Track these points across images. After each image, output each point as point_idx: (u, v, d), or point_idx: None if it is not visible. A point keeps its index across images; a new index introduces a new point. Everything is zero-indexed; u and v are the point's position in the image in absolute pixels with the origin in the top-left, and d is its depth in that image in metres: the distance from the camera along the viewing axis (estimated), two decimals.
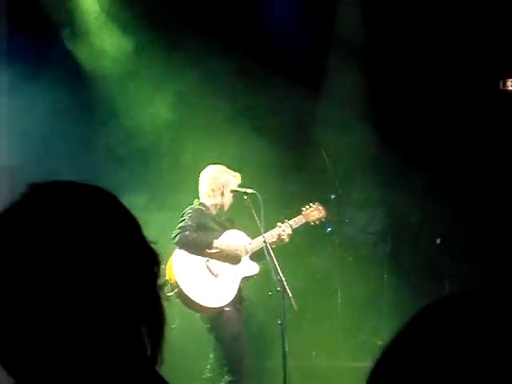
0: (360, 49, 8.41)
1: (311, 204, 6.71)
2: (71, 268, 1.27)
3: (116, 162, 7.79)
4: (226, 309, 6.13)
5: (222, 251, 6.21)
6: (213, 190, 6.35)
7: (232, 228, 6.42)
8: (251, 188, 6.23)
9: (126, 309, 1.31)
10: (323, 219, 6.79)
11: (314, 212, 6.65)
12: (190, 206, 6.32)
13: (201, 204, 6.35)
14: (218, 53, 7.94)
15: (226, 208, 6.39)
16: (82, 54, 7.92)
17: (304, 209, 6.65)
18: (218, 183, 6.34)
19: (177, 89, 7.98)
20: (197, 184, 6.46)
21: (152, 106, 7.97)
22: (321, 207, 6.72)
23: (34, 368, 1.28)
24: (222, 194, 6.34)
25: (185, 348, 6.06)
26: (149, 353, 1.34)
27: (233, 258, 6.25)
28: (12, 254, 1.27)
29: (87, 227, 1.30)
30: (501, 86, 7.82)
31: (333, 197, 8.18)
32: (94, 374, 1.29)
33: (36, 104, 7.43)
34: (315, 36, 8.55)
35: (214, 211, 6.37)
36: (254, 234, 6.29)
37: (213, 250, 6.18)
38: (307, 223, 6.66)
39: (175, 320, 5.79)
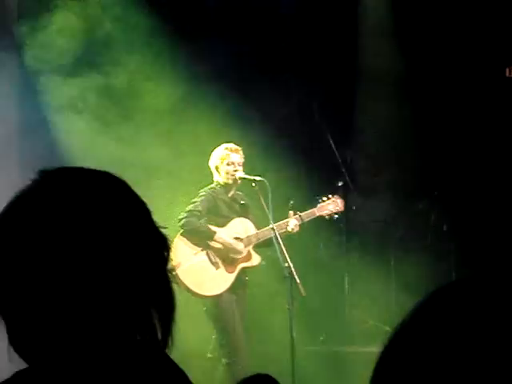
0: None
1: (329, 196, 6.50)
2: (83, 253, 1.28)
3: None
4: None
5: (221, 247, 6.09)
6: (216, 168, 6.20)
7: (246, 214, 6.28)
8: (259, 175, 6.15)
9: (136, 292, 1.32)
10: (339, 213, 6.52)
11: (329, 205, 6.43)
12: (207, 187, 6.20)
13: (217, 184, 6.20)
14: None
15: (225, 181, 6.14)
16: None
17: (320, 200, 6.46)
18: (217, 160, 6.17)
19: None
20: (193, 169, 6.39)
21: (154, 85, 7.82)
22: (339, 200, 6.48)
23: (45, 351, 1.29)
24: (221, 170, 6.15)
25: (188, 327, 6.03)
26: (159, 336, 1.36)
27: (233, 252, 6.14)
28: (23, 240, 1.29)
29: (98, 213, 1.31)
30: (507, 74, 7.79)
31: (340, 184, 8.15)
32: (105, 356, 1.30)
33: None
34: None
35: (229, 193, 6.22)
36: (262, 221, 6.22)
37: (213, 243, 6.08)
38: (320, 216, 6.45)
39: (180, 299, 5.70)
